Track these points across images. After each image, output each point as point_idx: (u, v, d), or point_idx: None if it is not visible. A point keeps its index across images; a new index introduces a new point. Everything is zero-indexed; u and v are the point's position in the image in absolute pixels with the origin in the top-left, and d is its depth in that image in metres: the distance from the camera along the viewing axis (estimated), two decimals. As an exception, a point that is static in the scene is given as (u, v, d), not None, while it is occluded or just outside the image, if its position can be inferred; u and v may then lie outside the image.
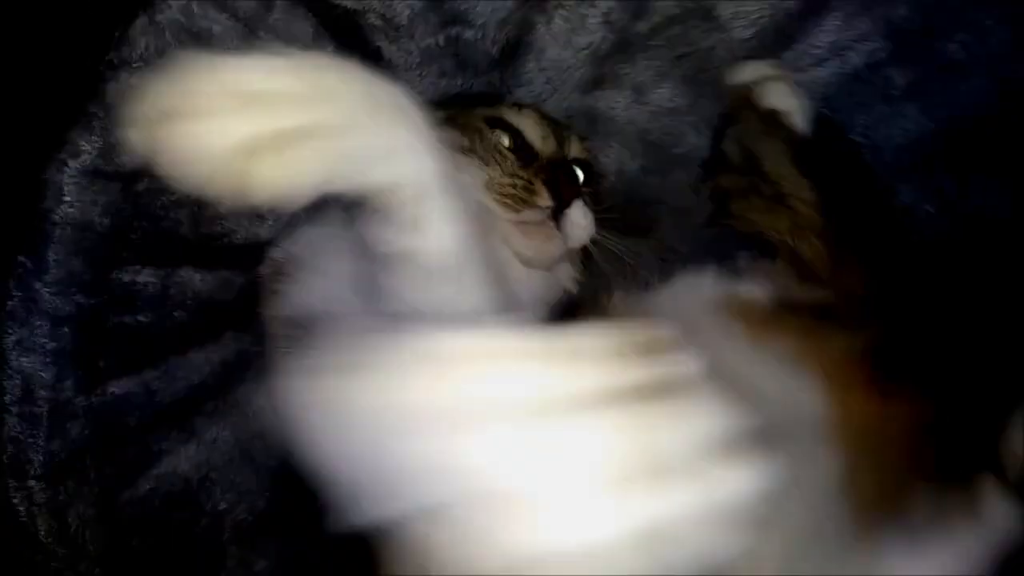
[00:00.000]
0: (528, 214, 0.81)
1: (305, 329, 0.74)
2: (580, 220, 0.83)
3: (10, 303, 0.78)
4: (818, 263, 0.81)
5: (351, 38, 0.82)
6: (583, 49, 0.92)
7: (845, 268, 0.80)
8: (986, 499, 0.69)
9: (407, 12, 0.81)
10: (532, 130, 0.89)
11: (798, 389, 0.80)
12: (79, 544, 0.81)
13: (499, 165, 0.84)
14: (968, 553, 0.68)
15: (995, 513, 0.69)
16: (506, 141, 0.87)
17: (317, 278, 0.77)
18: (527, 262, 0.83)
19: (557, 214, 0.82)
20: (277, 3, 0.77)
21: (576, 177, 0.92)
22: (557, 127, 0.93)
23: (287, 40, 0.79)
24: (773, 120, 0.86)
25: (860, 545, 0.71)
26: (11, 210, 0.78)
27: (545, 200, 0.82)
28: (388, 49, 0.83)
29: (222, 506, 0.90)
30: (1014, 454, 0.69)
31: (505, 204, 0.81)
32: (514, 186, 0.81)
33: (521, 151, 0.87)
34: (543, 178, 0.83)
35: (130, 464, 0.85)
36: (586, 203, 0.85)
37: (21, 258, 0.78)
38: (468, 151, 0.84)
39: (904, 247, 0.89)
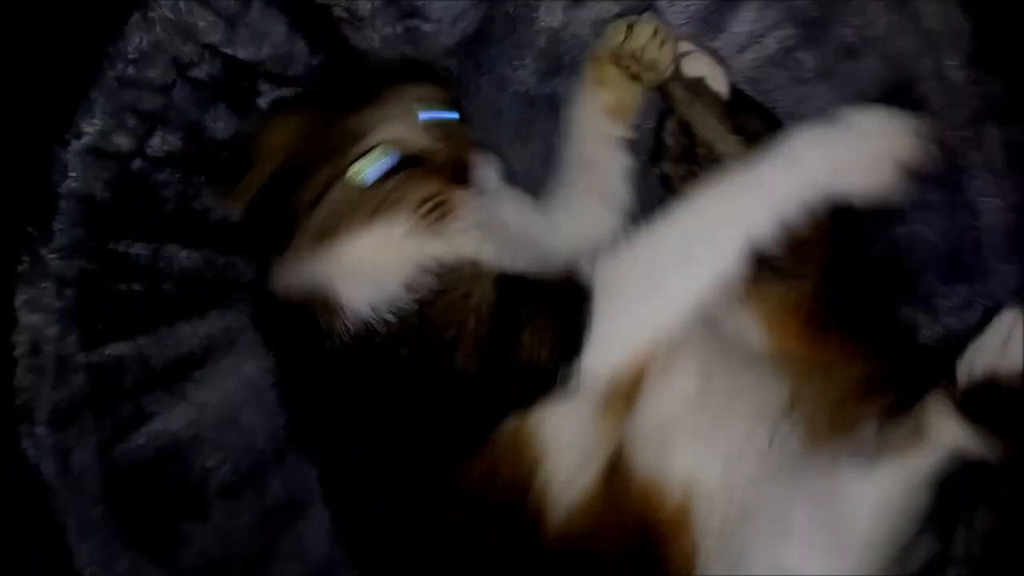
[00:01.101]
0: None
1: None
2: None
3: (20, 267, 0.88)
4: None
5: (322, 31, 0.93)
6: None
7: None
8: (935, 421, 0.76)
9: (368, 6, 0.92)
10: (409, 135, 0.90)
11: (746, 329, 0.94)
12: (81, 486, 0.90)
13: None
14: (917, 471, 0.75)
15: (943, 434, 0.76)
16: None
17: None
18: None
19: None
20: (255, 1, 0.88)
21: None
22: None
23: (264, 35, 0.90)
24: (698, 87, 0.96)
25: (812, 462, 0.80)
26: (19, 185, 0.89)
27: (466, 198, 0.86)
28: (355, 37, 0.94)
29: (210, 463, 0.99)
30: (966, 378, 0.77)
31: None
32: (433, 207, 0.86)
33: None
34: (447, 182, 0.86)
35: (125, 420, 0.94)
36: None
37: (29, 228, 0.88)
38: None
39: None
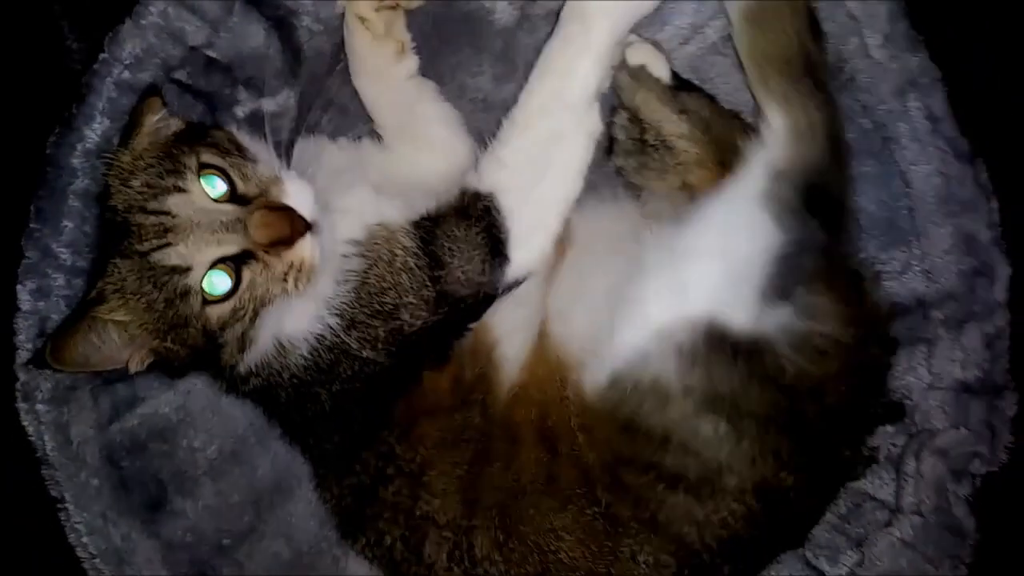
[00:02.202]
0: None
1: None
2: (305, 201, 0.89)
3: (25, 261, 0.95)
4: (702, 186, 0.99)
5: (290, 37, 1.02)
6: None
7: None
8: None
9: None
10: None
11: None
12: (79, 458, 0.96)
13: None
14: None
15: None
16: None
17: None
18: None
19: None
20: (236, 6, 0.97)
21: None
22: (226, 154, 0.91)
23: (244, 39, 0.99)
24: (640, 74, 1.04)
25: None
26: (18, 186, 0.96)
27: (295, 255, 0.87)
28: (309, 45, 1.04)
29: (196, 443, 1.05)
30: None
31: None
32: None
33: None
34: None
35: (120, 401, 1.01)
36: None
37: (33, 225, 0.95)
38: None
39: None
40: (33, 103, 1.26)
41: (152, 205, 0.84)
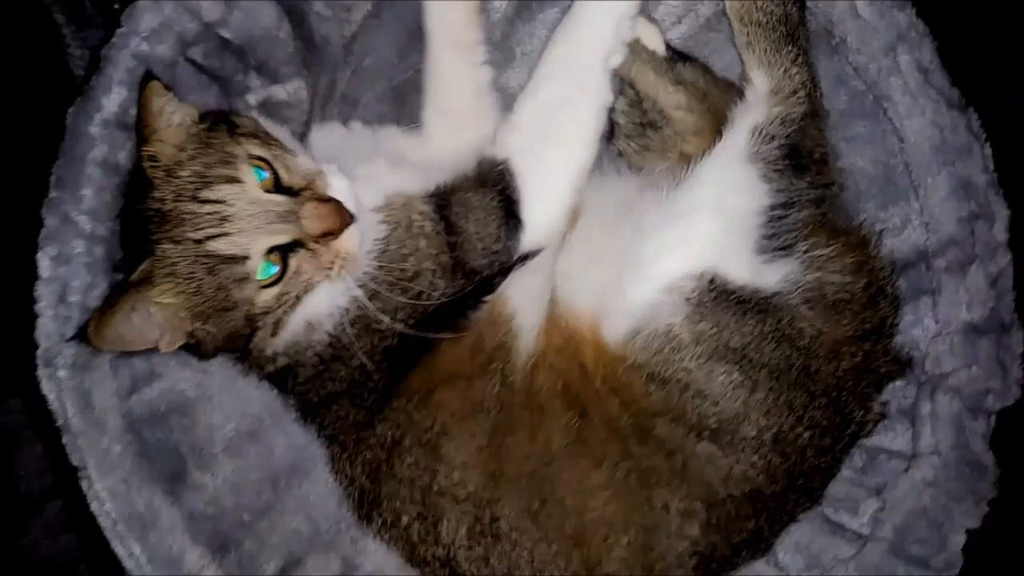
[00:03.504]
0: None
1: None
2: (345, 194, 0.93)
3: (44, 229, 0.96)
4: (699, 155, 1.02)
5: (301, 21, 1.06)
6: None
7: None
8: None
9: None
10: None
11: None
12: (101, 424, 0.95)
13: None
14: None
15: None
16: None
17: None
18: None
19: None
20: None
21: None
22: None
23: (255, 18, 1.02)
24: (635, 47, 1.07)
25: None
26: (35, 156, 0.98)
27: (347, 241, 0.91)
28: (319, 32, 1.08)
29: (214, 420, 1.05)
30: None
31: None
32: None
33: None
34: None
35: (138, 374, 1.01)
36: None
37: (54, 193, 0.97)
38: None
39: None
40: (35, 109, 1.30)
41: (204, 194, 0.87)
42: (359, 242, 0.92)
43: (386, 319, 0.95)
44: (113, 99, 0.97)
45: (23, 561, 1.41)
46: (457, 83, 1.12)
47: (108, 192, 0.97)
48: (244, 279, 0.88)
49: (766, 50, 0.98)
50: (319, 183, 0.92)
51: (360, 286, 0.94)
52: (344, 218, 0.89)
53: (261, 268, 0.89)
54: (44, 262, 0.95)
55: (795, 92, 0.97)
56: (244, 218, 0.87)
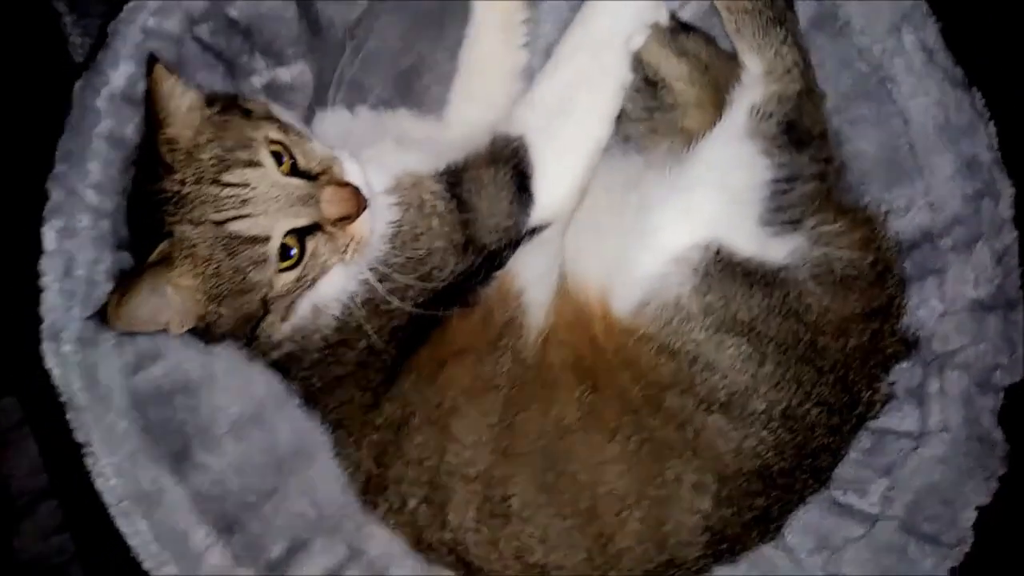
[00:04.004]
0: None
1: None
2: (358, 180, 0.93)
3: (50, 203, 0.95)
4: (701, 130, 1.02)
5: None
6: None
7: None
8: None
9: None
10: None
11: None
12: (107, 400, 0.94)
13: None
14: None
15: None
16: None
17: None
18: None
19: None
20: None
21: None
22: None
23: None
24: None
25: None
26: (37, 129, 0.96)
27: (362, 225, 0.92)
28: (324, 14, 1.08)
29: (219, 401, 1.03)
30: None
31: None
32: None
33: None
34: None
35: (142, 353, 0.99)
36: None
37: (61, 167, 0.96)
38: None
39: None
40: (36, 96, 1.29)
41: (226, 177, 0.87)
42: (371, 226, 0.93)
43: (396, 299, 0.95)
44: (120, 73, 0.97)
45: (14, 562, 1.39)
46: (494, 65, 1.13)
47: (114, 166, 0.96)
48: (263, 261, 0.89)
49: (754, 34, 1.00)
50: (336, 168, 0.92)
51: (371, 269, 0.95)
52: (361, 203, 0.90)
53: (279, 251, 0.89)
54: (49, 235, 0.94)
55: (788, 71, 0.99)
56: (265, 200, 0.88)
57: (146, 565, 0.94)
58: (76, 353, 0.93)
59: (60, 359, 0.93)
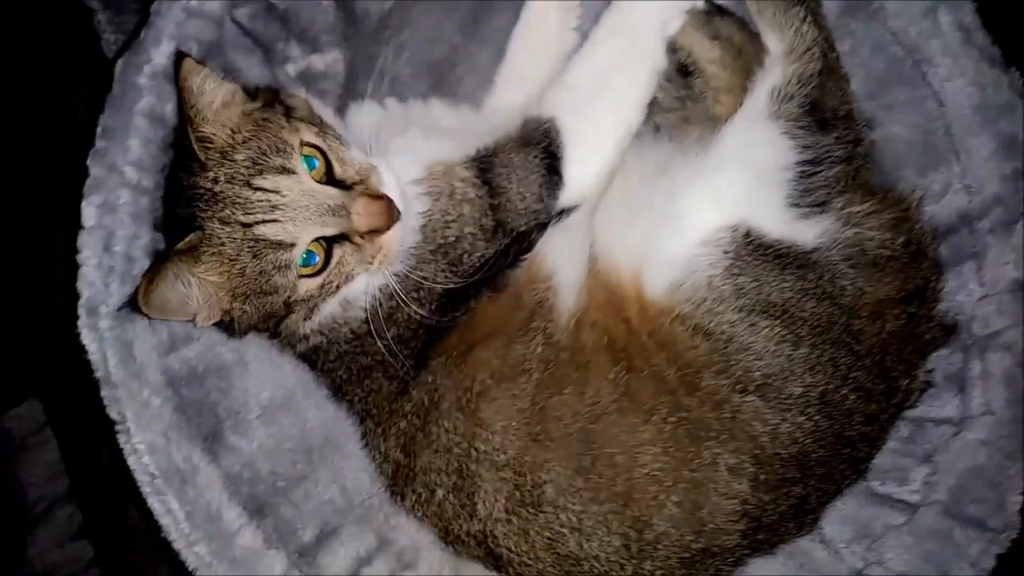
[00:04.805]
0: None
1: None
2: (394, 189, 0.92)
3: (90, 179, 0.95)
4: (729, 115, 1.02)
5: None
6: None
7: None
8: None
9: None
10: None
11: None
12: (142, 376, 0.93)
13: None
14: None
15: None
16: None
17: None
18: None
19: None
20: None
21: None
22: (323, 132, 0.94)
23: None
24: None
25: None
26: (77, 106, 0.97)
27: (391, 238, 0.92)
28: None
29: (250, 385, 1.03)
30: None
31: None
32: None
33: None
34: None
35: (176, 334, 0.99)
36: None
37: (101, 143, 0.96)
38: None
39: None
40: (69, 92, 1.30)
41: (258, 182, 0.87)
42: (400, 237, 0.92)
43: (427, 285, 0.95)
44: (162, 51, 0.97)
45: (30, 569, 1.38)
46: (547, 46, 1.14)
47: (154, 144, 0.96)
48: (287, 266, 0.88)
49: (775, 12, 1.01)
50: (373, 179, 0.92)
51: (401, 261, 0.94)
52: (393, 216, 0.89)
53: (302, 257, 0.88)
54: (89, 211, 0.94)
55: (808, 49, 0.99)
56: (296, 208, 0.87)
57: (177, 544, 0.93)
58: (113, 328, 0.93)
59: (96, 334, 0.93)
